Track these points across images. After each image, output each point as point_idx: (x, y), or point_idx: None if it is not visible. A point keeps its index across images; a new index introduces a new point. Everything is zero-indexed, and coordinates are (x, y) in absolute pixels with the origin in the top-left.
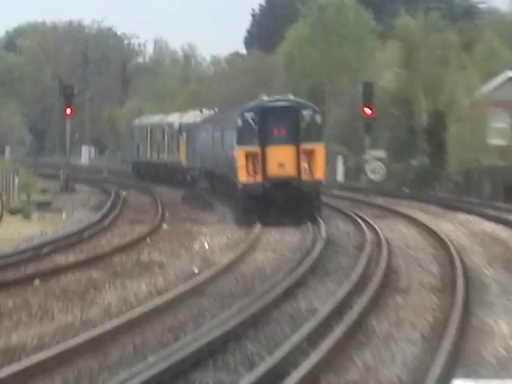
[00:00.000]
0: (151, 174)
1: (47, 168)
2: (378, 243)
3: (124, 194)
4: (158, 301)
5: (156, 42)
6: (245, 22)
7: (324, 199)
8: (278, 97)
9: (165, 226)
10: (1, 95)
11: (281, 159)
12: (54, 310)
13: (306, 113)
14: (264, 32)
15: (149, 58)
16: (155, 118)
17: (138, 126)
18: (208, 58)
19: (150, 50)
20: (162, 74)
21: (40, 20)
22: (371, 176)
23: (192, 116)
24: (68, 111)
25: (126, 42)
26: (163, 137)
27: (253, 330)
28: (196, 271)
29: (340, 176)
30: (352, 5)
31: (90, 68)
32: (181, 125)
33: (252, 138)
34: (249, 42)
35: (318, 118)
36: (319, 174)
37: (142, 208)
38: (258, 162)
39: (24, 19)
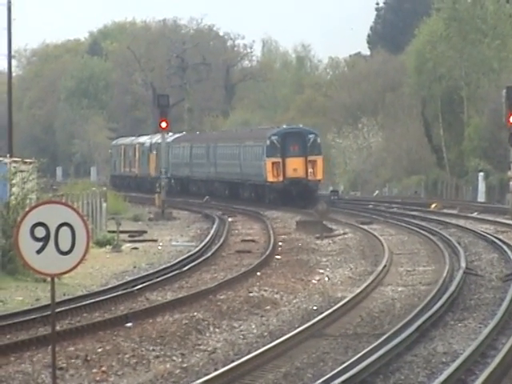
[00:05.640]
0: (124, 184)
1: (140, 192)
2: None
3: (230, 219)
4: (270, 345)
5: (264, 43)
6: (368, 18)
7: (461, 223)
8: (293, 126)
9: (277, 256)
10: (85, 107)
11: (295, 166)
12: (150, 357)
13: (310, 136)
14: (390, 29)
15: (256, 62)
16: (128, 140)
17: (115, 145)
18: (325, 61)
19: (257, 51)
20: (271, 80)
21: (129, 19)
22: None
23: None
24: (163, 124)
25: (229, 43)
26: (134, 154)
27: (381, 378)
28: (315, 309)
29: (481, 195)
30: None
31: (187, 74)
32: (151, 144)
33: (276, 152)
34: (373, 40)
35: (319, 140)
36: (319, 176)
37: (250, 236)
38: (280, 167)
39: (110, 19)
